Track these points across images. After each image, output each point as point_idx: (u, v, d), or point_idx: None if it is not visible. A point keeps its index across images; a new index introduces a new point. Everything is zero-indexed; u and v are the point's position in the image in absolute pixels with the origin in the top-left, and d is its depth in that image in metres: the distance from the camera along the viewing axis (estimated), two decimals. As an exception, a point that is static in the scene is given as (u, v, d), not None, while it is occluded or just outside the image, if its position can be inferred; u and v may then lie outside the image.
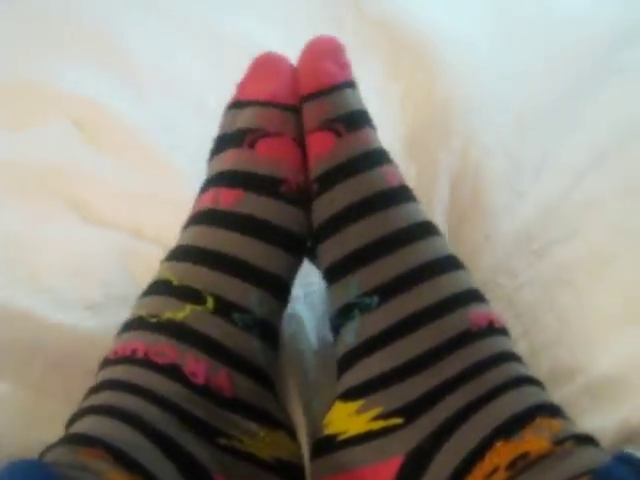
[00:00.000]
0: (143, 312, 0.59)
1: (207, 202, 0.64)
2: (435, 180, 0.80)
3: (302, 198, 0.65)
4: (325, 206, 0.63)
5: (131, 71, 0.90)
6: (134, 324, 0.59)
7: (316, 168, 0.64)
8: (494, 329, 0.58)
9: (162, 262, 0.63)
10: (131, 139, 0.82)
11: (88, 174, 0.80)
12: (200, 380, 0.55)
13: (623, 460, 0.44)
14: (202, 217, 0.64)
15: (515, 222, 0.75)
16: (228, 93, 0.70)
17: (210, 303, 0.58)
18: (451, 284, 0.59)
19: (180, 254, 0.62)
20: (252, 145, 0.65)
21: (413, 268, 0.59)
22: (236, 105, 0.68)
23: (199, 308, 0.58)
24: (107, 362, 0.58)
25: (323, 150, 0.64)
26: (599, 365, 0.62)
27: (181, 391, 0.54)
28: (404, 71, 0.91)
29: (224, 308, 0.59)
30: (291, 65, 0.68)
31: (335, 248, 0.62)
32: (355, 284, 0.60)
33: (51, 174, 0.79)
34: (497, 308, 0.66)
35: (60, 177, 0.79)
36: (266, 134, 0.65)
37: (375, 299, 0.59)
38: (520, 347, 0.66)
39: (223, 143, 0.67)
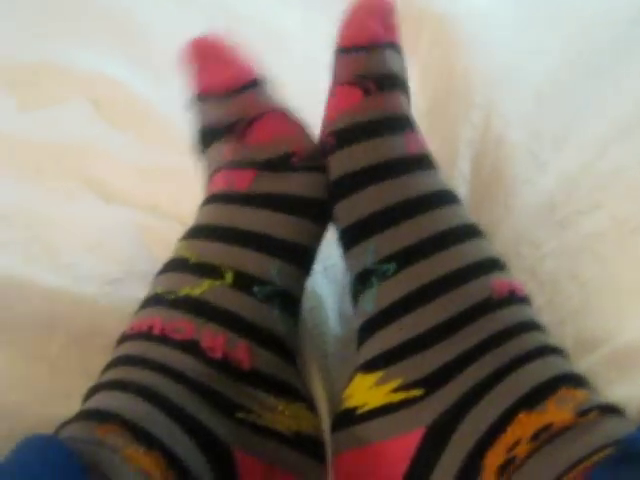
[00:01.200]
0: (159, 289, 0.59)
1: (221, 185, 0.64)
2: (456, 153, 0.79)
3: (315, 162, 0.64)
4: (342, 162, 0.62)
5: (147, 50, 0.91)
6: (151, 301, 0.59)
7: (336, 121, 0.63)
8: (516, 297, 0.57)
9: (179, 241, 0.63)
10: (147, 117, 0.83)
11: (105, 152, 0.80)
12: (218, 354, 0.55)
13: None
14: (217, 198, 0.63)
15: (537, 193, 0.74)
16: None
17: (229, 277, 0.58)
18: (472, 252, 0.58)
19: (196, 232, 0.62)
20: (243, 136, 0.64)
21: (432, 235, 0.58)
22: (201, 99, 0.67)
23: (217, 283, 0.58)
24: (124, 338, 0.57)
25: (347, 104, 0.63)
26: (624, 335, 0.61)
27: (198, 366, 0.54)
28: (424, 46, 0.91)
29: (243, 281, 0.58)
30: (228, 42, 0.67)
31: (351, 209, 0.62)
32: (372, 250, 0.59)
33: (68, 152, 0.80)
34: (520, 279, 0.66)
35: (77, 155, 0.80)
36: (250, 121, 0.64)
37: (393, 266, 0.58)
38: (544, 317, 0.63)
39: (211, 136, 0.66)
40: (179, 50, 0.66)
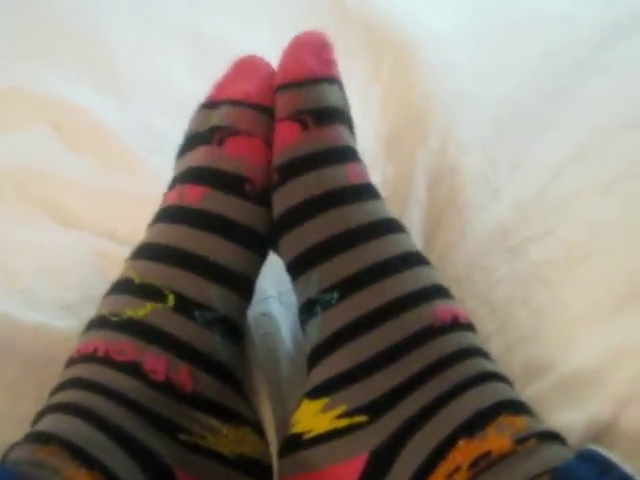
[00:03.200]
0: (105, 311, 0.60)
1: (172, 199, 0.65)
2: (412, 178, 0.80)
3: (266, 198, 0.65)
4: (285, 197, 0.64)
5: (112, 74, 0.91)
6: (96, 323, 0.59)
7: (278, 157, 0.65)
8: (459, 324, 0.58)
9: (126, 260, 0.63)
10: (109, 142, 0.83)
11: (64, 176, 0.80)
12: (160, 377, 0.55)
13: (585, 457, 0.44)
14: (166, 214, 0.64)
15: (490, 219, 0.75)
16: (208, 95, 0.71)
17: (171, 300, 0.59)
18: (414, 280, 0.59)
19: (143, 252, 0.63)
20: (221, 142, 0.65)
21: (374, 264, 0.59)
22: (210, 105, 0.69)
23: (159, 306, 0.58)
24: (70, 361, 0.58)
25: (287, 140, 0.64)
26: (571, 361, 0.61)
27: (141, 388, 0.55)
28: (385, 72, 0.92)
29: (185, 305, 0.59)
30: (270, 67, 0.69)
31: (295, 242, 0.62)
32: (316, 279, 0.60)
33: (28, 176, 0.80)
34: (472, 305, 0.67)
35: (37, 179, 0.80)
36: (235, 132, 0.65)
37: (335, 295, 0.59)
38: (494, 343, 0.65)
39: (194, 140, 0.68)
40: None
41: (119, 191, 0.80)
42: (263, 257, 0.66)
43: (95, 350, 0.56)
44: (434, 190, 0.79)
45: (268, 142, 0.66)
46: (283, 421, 0.64)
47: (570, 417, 0.58)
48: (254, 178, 0.64)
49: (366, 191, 0.64)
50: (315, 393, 0.58)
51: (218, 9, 1.01)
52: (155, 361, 0.56)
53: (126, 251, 0.68)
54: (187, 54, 0.95)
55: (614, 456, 0.44)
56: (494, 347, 0.63)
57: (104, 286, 0.64)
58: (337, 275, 0.60)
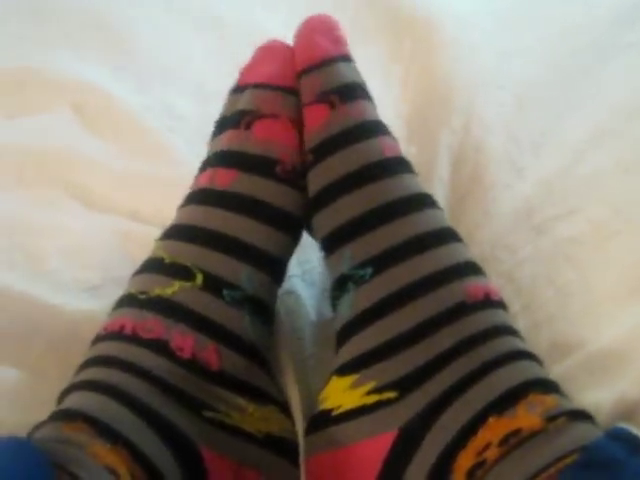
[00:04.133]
0: (133, 289, 0.60)
1: (203, 182, 0.65)
2: (436, 158, 0.79)
3: (297, 179, 0.65)
4: (320, 176, 0.63)
5: (132, 56, 0.91)
6: (124, 301, 0.60)
7: (311, 140, 0.65)
8: (491, 302, 0.57)
9: (156, 241, 0.64)
10: (130, 123, 0.83)
11: (87, 158, 0.80)
12: (187, 354, 0.55)
13: (615, 436, 0.44)
14: (197, 196, 0.64)
15: (515, 198, 0.74)
16: (227, 77, 0.71)
17: (199, 279, 0.59)
18: (447, 256, 0.59)
19: (173, 232, 0.63)
20: (248, 126, 0.65)
21: (408, 239, 0.59)
22: (237, 90, 0.69)
23: (188, 284, 0.58)
24: (97, 338, 0.58)
25: (317, 122, 0.64)
26: (599, 340, 0.61)
27: (167, 365, 0.55)
28: (405, 52, 0.91)
29: (213, 284, 0.59)
30: (291, 50, 0.69)
31: (330, 218, 0.62)
32: (349, 255, 0.60)
33: (50, 159, 0.80)
34: (497, 284, 0.66)
35: (59, 162, 0.80)
36: (262, 115, 0.65)
37: (369, 270, 0.59)
38: (520, 322, 0.65)
39: (223, 125, 0.68)
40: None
41: (140, 172, 0.79)
42: (295, 239, 0.66)
43: (122, 327, 0.57)
44: (458, 170, 0.79)
45: (295, 122, 0.66)
46: (307, 400, 0.64)
47: (598, 396, 0.58)
48: (284, 159, 0.64)
49: (401, 165, 0.64)
50: (345, 369, 0.58)
51: (237, -8, 1.01)
52: (182, 339, 0.56)
53: (149, 231, 0.69)
54: (206, 36, 0.95)
55: (644, 435, 0.43)
56: (520, 325, 0.63)
57: (128, 267, 0.64)
58: (372, 250, 0.59)
